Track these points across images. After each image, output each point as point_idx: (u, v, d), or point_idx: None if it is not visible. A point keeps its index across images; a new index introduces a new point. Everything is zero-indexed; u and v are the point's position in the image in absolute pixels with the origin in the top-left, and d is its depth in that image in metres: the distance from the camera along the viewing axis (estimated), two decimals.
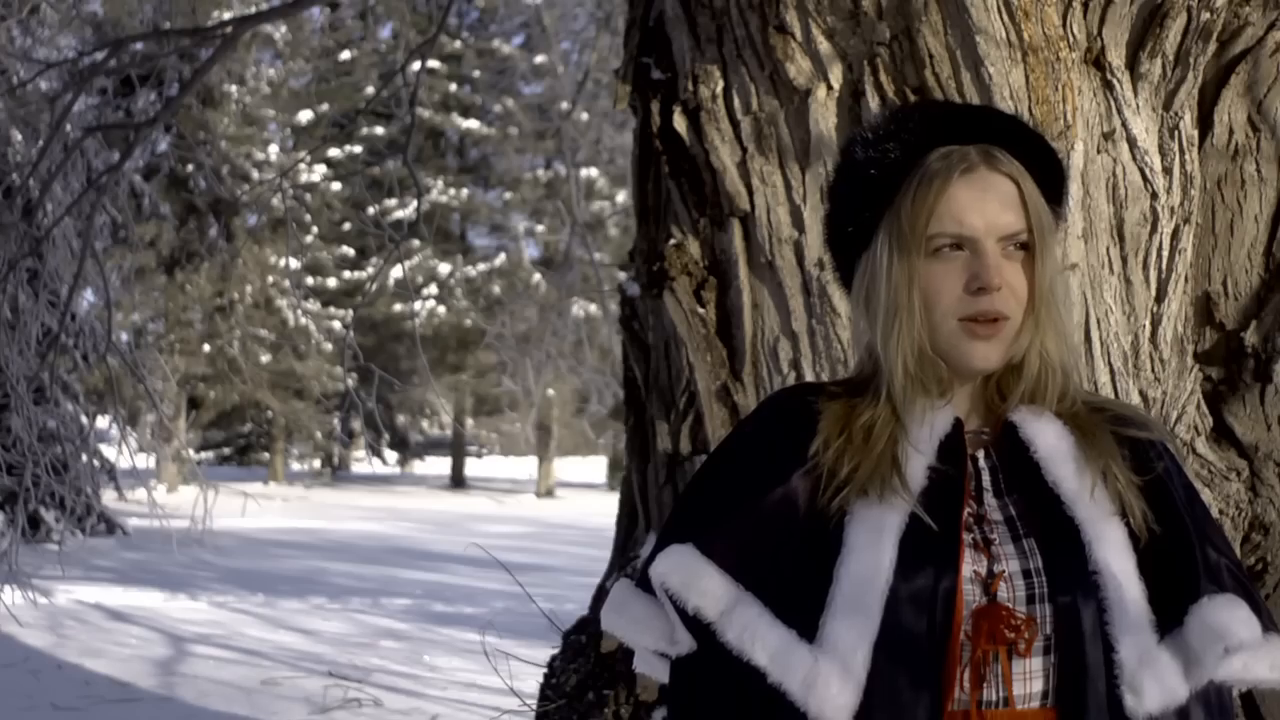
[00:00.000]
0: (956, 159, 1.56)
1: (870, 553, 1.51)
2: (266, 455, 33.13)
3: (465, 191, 31.57)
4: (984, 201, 1.55)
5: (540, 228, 30.60)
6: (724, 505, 1.61)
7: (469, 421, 34.34)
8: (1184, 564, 1.55)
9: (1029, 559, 1.53)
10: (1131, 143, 2.90)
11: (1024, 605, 1.51)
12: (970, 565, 1.52)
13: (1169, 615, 1.52)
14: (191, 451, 28.66)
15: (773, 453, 1.61)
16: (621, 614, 1.65)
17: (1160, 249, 2.95)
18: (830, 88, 2.96)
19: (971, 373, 1.59)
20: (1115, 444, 1.60)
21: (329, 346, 28.69)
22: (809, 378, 2.97)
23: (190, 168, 23.80)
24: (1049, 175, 1.62)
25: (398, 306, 29.92)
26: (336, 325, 28.95)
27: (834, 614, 1.50)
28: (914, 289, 1.56)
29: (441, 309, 30.65)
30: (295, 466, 34.17)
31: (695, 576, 1.55)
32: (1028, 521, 1.56)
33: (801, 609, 1.52)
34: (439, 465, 38.01)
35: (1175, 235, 2.96)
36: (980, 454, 1.61)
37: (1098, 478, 1.56)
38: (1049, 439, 1.58)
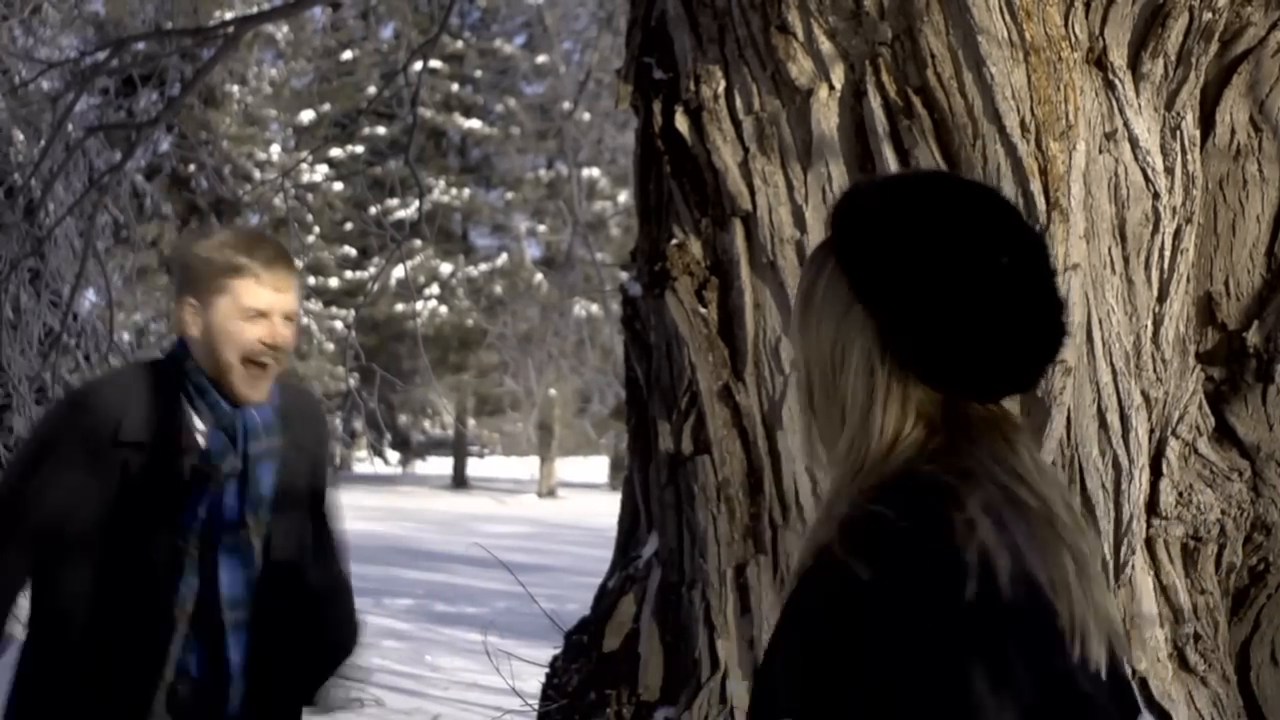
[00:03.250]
0: None
1: None
2: None
3: (467, 191, 31.56)
4: None
5: (542, 228, 30.58)
6: None
7: (471, 421, 34.27)
8: None
9: None
10: (1133, 143, 2.90)
11: None
12: None
13: None
14: None
15: None
16: None
17: (1162, 249, 2.95)
18: (832, 88, 2.96)
19: None
20: None
21: (331, 346, 28.68)
22: None
23: (192, 168, 23.76)
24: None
25: (399, 306, 29.90)
26: (338, 325, 28.89)
27: None
28: None
29: (443, 309, 30.64)
30: None
31: None
32: None
33: None
34: (441, 465, 37.93)
35: (1177, 235, 2.96)
36: None
37: None
38: None
